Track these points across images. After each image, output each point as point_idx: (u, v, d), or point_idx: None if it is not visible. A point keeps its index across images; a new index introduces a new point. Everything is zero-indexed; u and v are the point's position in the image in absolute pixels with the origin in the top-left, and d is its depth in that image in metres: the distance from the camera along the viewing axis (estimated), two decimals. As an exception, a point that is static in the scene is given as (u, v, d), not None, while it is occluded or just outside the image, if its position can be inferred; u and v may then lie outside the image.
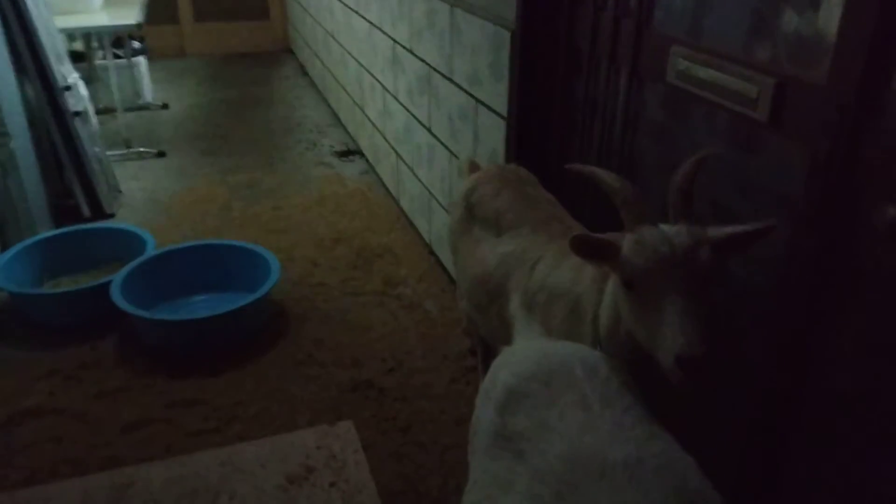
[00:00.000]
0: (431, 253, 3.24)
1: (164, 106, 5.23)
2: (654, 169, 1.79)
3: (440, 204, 3.02)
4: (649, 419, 1.10)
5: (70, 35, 4.56)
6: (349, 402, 2.36)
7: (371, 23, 3.71)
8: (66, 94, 3.32)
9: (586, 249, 1.25)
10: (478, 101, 2.47)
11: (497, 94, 2.30)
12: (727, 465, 1.54)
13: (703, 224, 1.24)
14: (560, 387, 1.13)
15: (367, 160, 4.28)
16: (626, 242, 1.21)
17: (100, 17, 4.13)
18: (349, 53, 4.33)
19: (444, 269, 3.08)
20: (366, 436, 2.19)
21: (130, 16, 4.07)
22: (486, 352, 2.25)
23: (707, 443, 1.24)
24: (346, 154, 4.45)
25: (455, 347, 2.62)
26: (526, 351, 1.26)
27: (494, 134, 2.36)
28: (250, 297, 2.58)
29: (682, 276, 1.15)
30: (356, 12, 3.99)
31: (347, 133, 4.75)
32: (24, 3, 3.11)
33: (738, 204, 1.52)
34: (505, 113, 2.25)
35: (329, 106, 5.27)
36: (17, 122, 3.09)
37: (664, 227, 1.21)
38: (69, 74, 3.43)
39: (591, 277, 1.44)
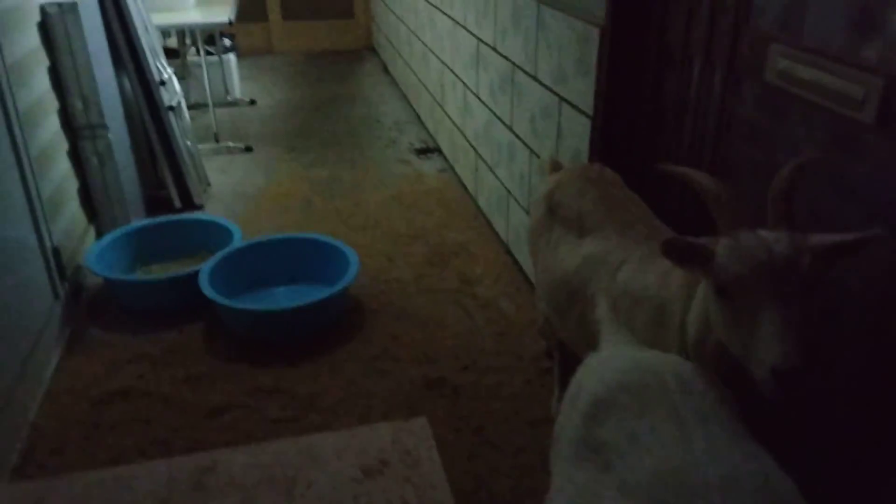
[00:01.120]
0: (508, 252, 3.22)
1: (252, 102, 5.40)
2: (749, 171, 1.72)
3: (518, 203, 2.99)
4: (747, 437, 1.05)
5: (165, 31, 4.75)
6: (423, 398, 2.37)
7: (455, 21, 3.71)
8: (161, 88, 3.46)
9: (678, 253, 1.20)
10: (562, 98, 2.43)
11: (583, 91, 2.25)
12: (821, 488, 1.46)
13: (803, 230, 1.18)
14: (651, 399, 1.09)
15: (446, 158, 4.29)
16: (721, 247, 1.16)
17: (194, 15, 4.29)
18: (431, 51, 4.35)
19: (521, 268, 3.06)
20: (439, 433, 2.19)
21: (223, 14, 4.21)
22: (564, 355, 2.22)
23: (801, 464, 1.18)
24: (424, 151, 4.48)
25: (530, 348, 2.60)
26: (615, 359, 1.22)
27: (578, 132, 2.32)
28: (330, 290, 2.63)
29: (780, 284, 1.09)
30: (440, 10, 4.00)
31: (426, 130, 4.77)
32: (125, 2, 3.27)
33: (840, 210, 1.44)
34: (590, 111, 2.21)
35: (409, 103, 5.32)
36: (115, 115, 3.24)
37: (762, 232, 1.16)
38: (164, 70, 3.58)
39: (679, 282, 1.39)
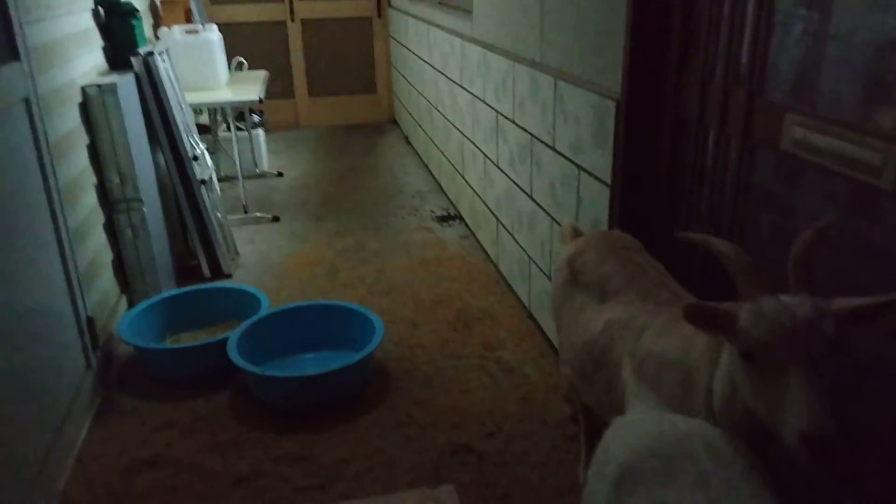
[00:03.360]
0: (531, 317, 3.24)
1: (279, 174, 5.56)
2: (768, 237, 1.75)
3: (540, 268, 3.03)
4: (776, 505, 1.04)
5: (197, 109, 4.95)
6: (449, 465, 2.35)
7: (474, 95, 3.84)
8: (194, 163, 3.60)
9: (700, 318, 1.22)
10: (580, 168, 2.50)
11: (600, 161, 2.32)
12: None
13: (825, 295, 1.20)
14: (679, 466, 1.09)
15: (467, 225, 4.37)
16: (744, 313, 1.18)
17: (226, 94, 4.47)
18: (452, 124, 4.48)
19: (544, 333, 3.07)
20: (466, 501, 2.17)
21: (253, 92, 4.40)
22: (589, 420, 2.21)
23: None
24: (446, 219, 4.56)
25: (555, 414, 2.59)
26: (642, 424, 1.23)
27: (598, 200, 2.37)
28: (355, 357, 2.66)
29: (805, 349, 1.11)
30: (460, 86, 4.15)
31: (448, 199, 4.87)
32: (161, 82, 3.44)
33: (862, 274, 1.46)
34: (609, 180, 2.27)
35: (430, 173, 5.44)
36: (149, 189, 3.36)
37: (784, 297, 1.18)
38: (197, 146, 3.73)
39: (704, 347, 1.41)
